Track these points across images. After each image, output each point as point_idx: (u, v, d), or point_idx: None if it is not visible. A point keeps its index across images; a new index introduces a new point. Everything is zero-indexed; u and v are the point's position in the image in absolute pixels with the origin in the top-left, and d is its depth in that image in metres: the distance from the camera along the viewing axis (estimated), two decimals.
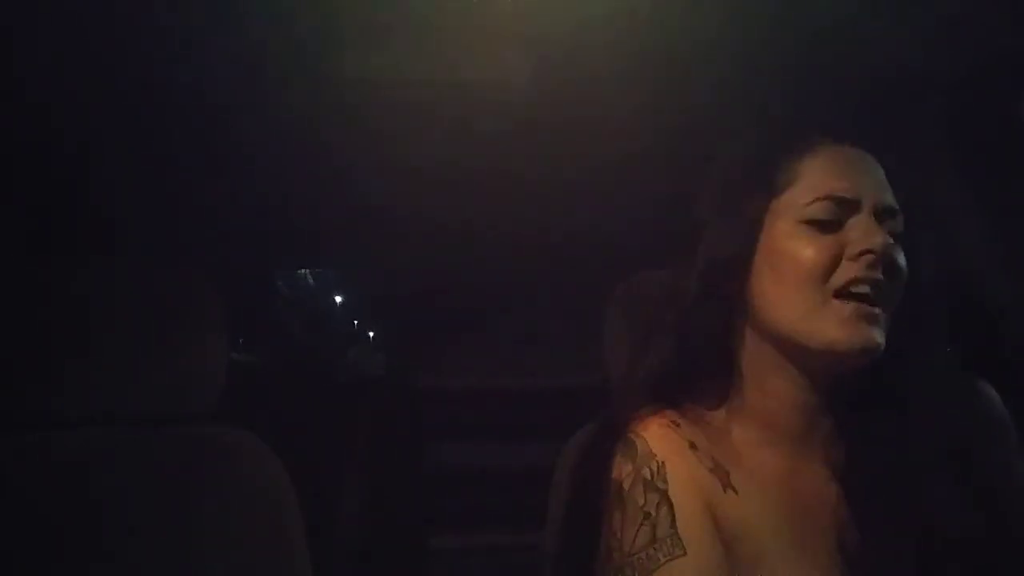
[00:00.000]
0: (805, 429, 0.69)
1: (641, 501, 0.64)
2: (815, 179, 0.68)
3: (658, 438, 0.67)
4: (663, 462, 0.66)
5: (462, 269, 2.05)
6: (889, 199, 0.69)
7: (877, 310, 0.64)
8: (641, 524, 0.63)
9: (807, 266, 0.65)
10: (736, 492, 0.65)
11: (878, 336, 0.63)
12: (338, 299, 3.44)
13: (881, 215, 0.67)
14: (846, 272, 0.64)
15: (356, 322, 3.47)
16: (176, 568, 0.84)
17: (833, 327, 0.63)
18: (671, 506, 0.63)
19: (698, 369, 0.71)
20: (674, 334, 0.71)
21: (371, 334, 3.34)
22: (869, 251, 0.64)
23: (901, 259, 0.66)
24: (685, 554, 0.61)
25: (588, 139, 1.28)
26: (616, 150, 1.29)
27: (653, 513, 0.63)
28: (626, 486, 0.66)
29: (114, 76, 1.07)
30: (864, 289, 0.64)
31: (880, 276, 0.64)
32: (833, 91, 1.08)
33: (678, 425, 0.69)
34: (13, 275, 0.89)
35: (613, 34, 0.99)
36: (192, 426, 0.90)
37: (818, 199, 0.66)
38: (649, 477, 0.65)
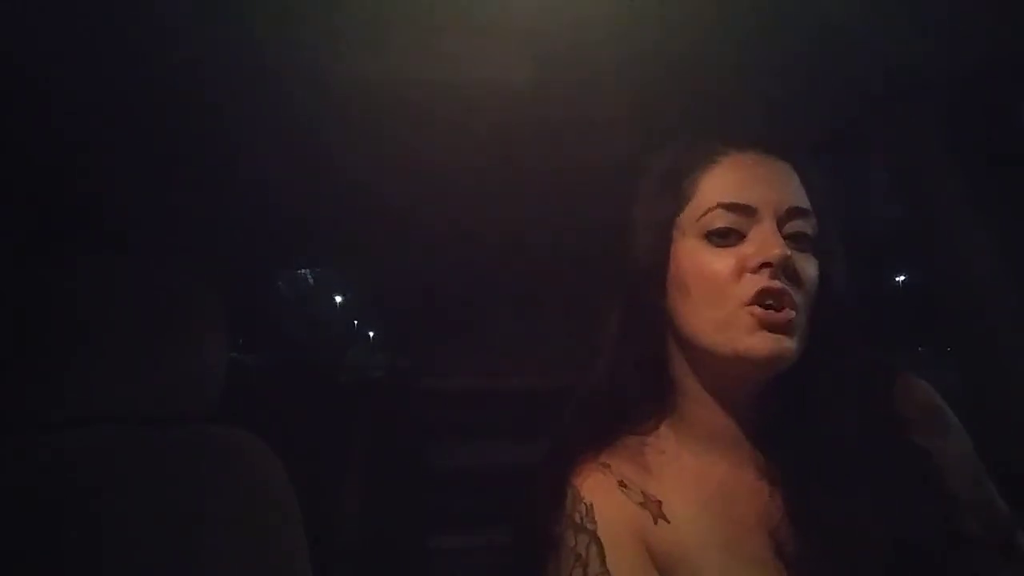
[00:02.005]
0: (738, 434, 0.70)
1: (572, 543, 0.66)
2: (711, 190, 0.68)
3: (587, 481, 0.69)
4: (591, 504, 0.67)
5: (462, 269, 2.05)
6: (795, 201, 0.68)
7: (786, 316, 0.64)
8: (573, 566, 0.65)
9: (711, 281, 0.65)
10: (668, 521, 0.67)
11: (788, 343, 0.64)
12: (338, 299, 3.44)
13: (785, 219, 0.67)
14: (750, 284, 0.64)
15: (356, 322, 3.48)
16: (176, 568, 0.84)
17: (743, 337, 0.64)
18: (600, 545, 0.65)
19: (632, 385, 0.72)
20: (607, 355, 0.72)
21: (371, 334, 3.34)
22: (766, 263, 0.64)
23: (805, 265, 0.66)
24: None
25: (588, 139, 1.28)
26: (616, 150, 1.29)
27: (583, 554, 0.65)
28: (558, 530, 0.67)
29: (114, 76, 1.07)
30: (769, 301, 0.64)
31: (783, 285, 0.64)
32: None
33: (608, 466, 0.70)
34: (13, 275, 0.89)
35: (613, 34, 0.99)
36: (192, 426, 0.90)
37: (711, 209, 0.67)
38: (578, 520, 0.67)
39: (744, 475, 0.70)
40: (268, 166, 1.40)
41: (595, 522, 0.66)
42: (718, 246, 0.66)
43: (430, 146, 1.30)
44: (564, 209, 1.60)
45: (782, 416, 0.68)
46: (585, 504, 0.67)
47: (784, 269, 0.64)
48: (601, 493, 0.68)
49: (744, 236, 0.66)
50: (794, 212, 0.67)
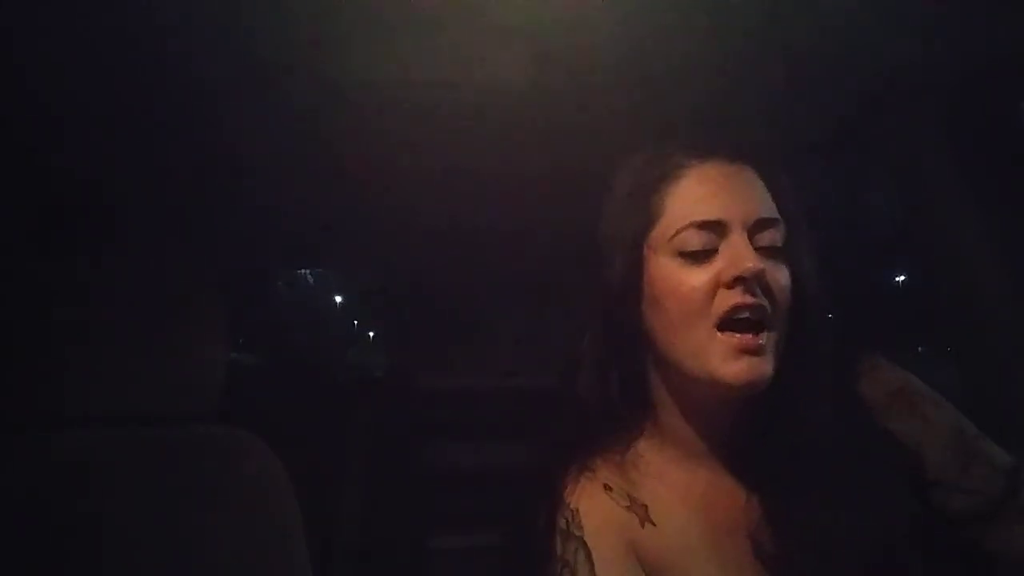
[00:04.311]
0: (716, 445, 0.70)
1: (560, 550, 0.66)
2: (678, 207, 0.67)
3: (572, 487, 0.69)
4: (576, 510, 0.67)
5: (462, 269, 2.05)
6: (762, 211, 0.67)
7: (762, 339, 0.63)
8: (562, 571, 0.65)
9: (685, 301, 0.65)
10: (655, 524, 0.67)
11: (764, 366, 0.63)
12: (338, 299, 3.44)
13: (754, 229, 0.66)
14: (724, 301, 0.64)
15: (356, 322, 3.48)
16: (175, 568, 0.84)
17: (718, 362, 0.63)
18: (588, 551, 0.65)
19: (614, 397, 0.71)
20: (589, 368, 0.72)
21: (371, 334, 3.34)
22: (740, 278, 0.63)
23: (778, 275, 0.66)
24: None
25: (588, 139, 1.28)
26: (617, 150, 1.29)
27: (572, 560, 0.65)
28: (548, 536, 0.68)
29: (114, 75, 1.07)
30: (745, 315, 0.64)
31: (757, 299, 0.64)
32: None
33: (593, 471, 0.70)
34: (13, 275, 0.89)
35: (613, 35, 0.99)
36: (192, 426, 0.90)
37: (682, 229, 0.66)
38: (565, 526, 0.67)
39: (723, 481, 0.70)
40: (268, 166, 1.40)
41: (581, 528, 0.66)
42: (691, 264, 0.66)
43: (430, 146, 1.30)
44: (564, 209, 1.59)
45: (758, 424, 0.69)
46: (571, 510, 0.68)
47: (758, 282, 0.64)
48: (586, 498, 0.68)
49: (716, 251, 0.66)
50: (763, 223, 0.67)
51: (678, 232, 0.66)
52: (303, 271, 2.94)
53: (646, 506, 0.68)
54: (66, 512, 0.83)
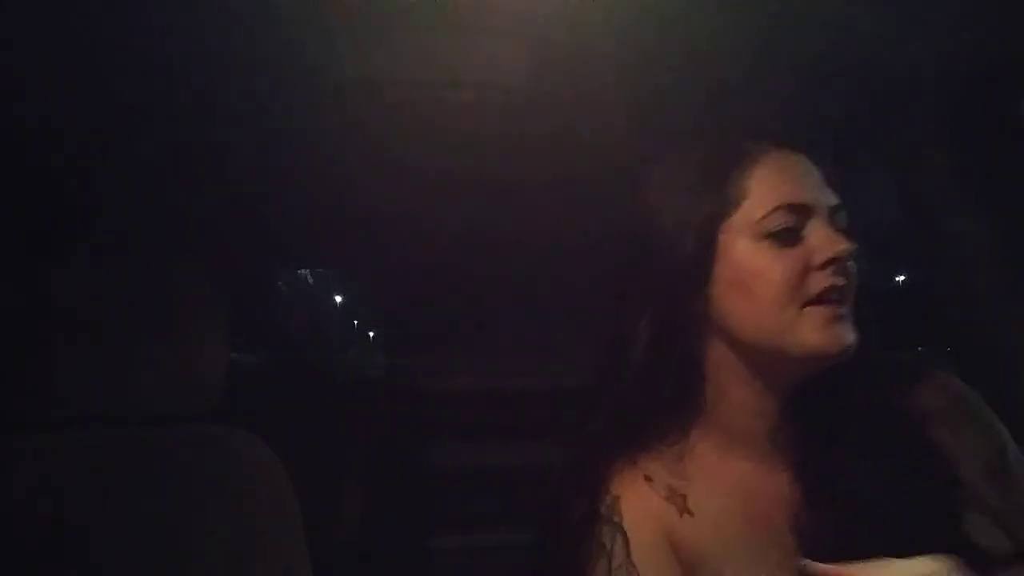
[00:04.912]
0: (766, 435, 0.71)
1: (598, 535, 0.67)
2: (764, 191, 0.68)
3: (614, 476, 0.70)
4: (617, 496, 0.69)
5: (462, 269, 2.05)
6: (834, 198, 0.70)
7: (845, 310, 0.66)
8: (598, 556, 0.66)
9: (778, 283, 0.66)
10: (692, 515, 0.68)
11: (851, 336, 0.66)
12: (338, 299, 3.44)
13: (832, 215, 0.68)
14: (816, 283, 0.65)
15: (356, 322, 3.48)
16: (175, 568, 0.84)
17: (812, 334, 0.65)
18: (625, 537, 0.66)
19: (664, 387, 0.71)
20: (638, 357, 0.71)
21: (371, 334, 3.34)
22: (834, 259, 0.65)
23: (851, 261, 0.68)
24: None
25: (588, 139, 1.28)
26: (616, 150, 1.29)
27: (608, 545, 0.66)
28: (586, 523, 0.69)
29: (113, 75, 1.07)
30: (835, 296, 0.66)
31: (848, 280, 0.66)
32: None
33: (635, 462, 0.71)
34: (13, 275, 0.89)
35: (613, 35, 0.99)
36: (192, 426, 0.90)
37: (771, 211, 0.67)
38: (604, 512, 0.68)
39: (768, 473, 0.70)
40: (268, 166, 1.40)
41: (621, 515, 0.67)
42: (779, 246, 0.67)
43: (430, 146, 1.30)
44: (564, 209, 1.60)
45: (808, 415, 0.69)
46: (612, 497, 0.69)
47: (847, 264, 0.66)
48: (627, 487, 0.69)
49: (801, 235, 0.67)
50: (836, 208, 0.69)
51: (767, 215, 0.67)
52: (303, 271, 2.94)
53: (685, 496, 0.69)
54: (66, 512, 0.83)
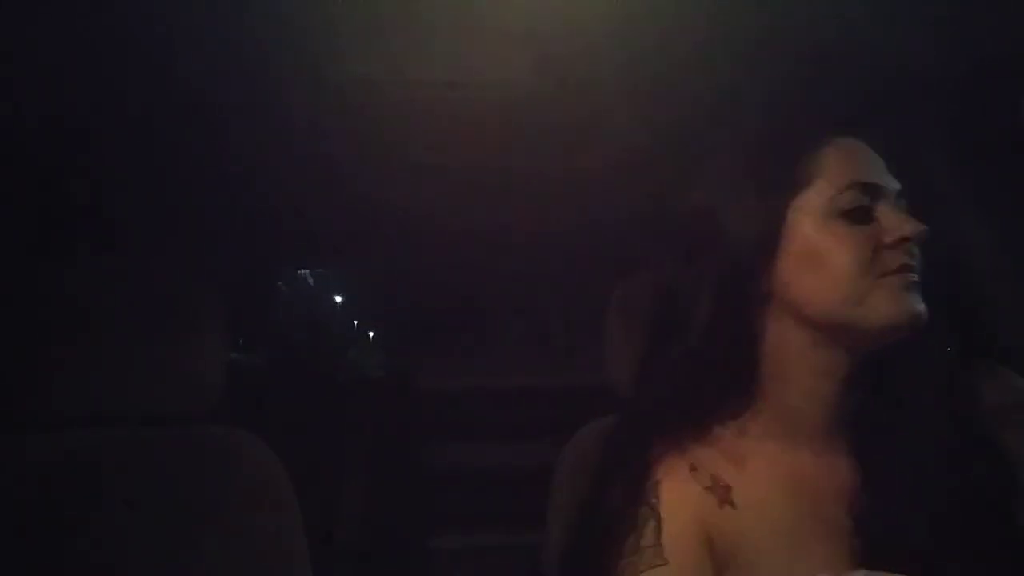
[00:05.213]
0: (822, 422, 0.71)
1: (633, 514, 0.67)
2: (838, 170, 0.70)
3: (659, 462, 0.70)
4: (658, 481, 0.68)
5: (462, 269, 2.05)
6: (896, 183, 0.71)
7: (917, 279, 0.68)
8: (628, 534, 0.66)
9: (850, 260, 0.67)
10: (734, 507, 0.67)
11: (922, 305, 0.67)
12: (338, 299, 3.44)
13: (898, 199, 0.70)
14: (888, 260, 0.67)
15: (356, 322, 3.47)
16: (176, 568, 0.84)
17: (886, 304, 0.66)
18: (659, 520, 0.66)
19: (720, 370, 0.71)
20: (694, 338, 0.70)
21: (371, 334, 3.34)
22: (907, 238, 0.67)
23: None
24: (666, 564, 0.64)
25: (588, 139, 1.28)
26: (616, 149, 1.29)
27: (641, 525, 0.66)
28: (625, 502, 0.68)
29: (114, 75, 1.07)
30: (908, 275, 0.68)
31: (916, 259, 0.68)
32: (832, 86, 1.09)
33: (682, 449, 0.71)
34: (13, 275, 0.89)
35: (613, 34, 0.99)
36: (192, 426, 0.90)
37: (845, 189, 0.69)
38: (643, 494, 0.68)
39: (823, 464, 0.70)
40: (268, 166, 1.40)
41: (658, 499, 0.67)
42: (851, 224, 0.68)
43: (430, 146, 1.30)
44: (565, 209, 1.60)
45: (866, 404, 0.70)
46: (653, 481, 0.69)
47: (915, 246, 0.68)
48: (670, 473, 0.69)
49: (873, 215, 0.69)
50: (900, 193, 0.71)
51: (841, 192, 0.69)
52: (303, 271, 2.94)
53: (729, 488, 0.68)
54: (66, 512, 0.83)
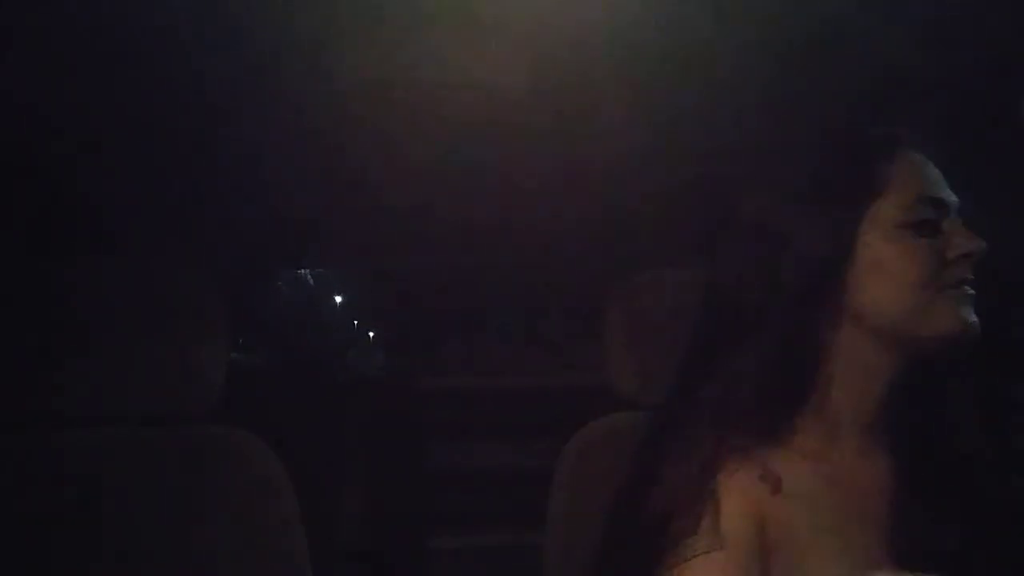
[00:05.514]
0: (871, 422, 0.73)
1: (690, 496, 0.68)
2: (908, 182, 0.72)
3: (716, 450, 0.71)
4: (715, 467, 0.69)
5: (462, 269, 2.05)
6: (955, 198, 0.74)
7: (973, 291, 0.71)
8: (687, 516, 0.67)
9: (918, 273, 0.70)
10: (785, 497, 0.69)
11: (976, 319, 0.70)
12: (338, 299, 3.44)
13: (956, 213, 0.73)
14: (952, 274, 0.70)
15: (356, 322, 3.47)
16: (176, 568, 0.84)
17: (947, 317, 0.69)
18: (717, 504, 0.67)
19: (781, 378, 0.72)
20: (758, 349, 0.72)
21: (371, 334, 3.34)
22: (970, 254, 0.70)
23: None
24: (722, 549, 0.65)
25: (588, 139, 1.28)
26: (616, 150, 1.29)
27: (698, 510, 0.67)
28: (680, 482, 0.69)
29: (114, 75, 1.07)
30: (967, 289, 0.71)
31: (974, 277, 0.71)
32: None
33: (738, 442, 0.71)
34: (13, 275, 0.89)
35: (612, 34, 0.99)
36: (192, 426, 0.90)
37: (915, 202, 0.71)
38: (699, 479, 0.69)
39: (867, 463, 0.72)
40: (268, 166, 1.40)
41: (717, 484, 0.68)
42: (919, 236, 0.71)
43: (430, 146, 1.30)
44: (564, 209, 1.60)
45: (910, 407, 0.73)
46: (713, 467, 0.70)
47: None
48: (728, 464, 0.70)
49: (939, 228, 0.71)
50: (958, 208, 0.73)
51: (912, 205, 0.71)
52: (303, 271, 2.94)
53: (779, 478, 0.70)
54: (66, 512, 0.83)
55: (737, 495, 0.67)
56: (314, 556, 0.89)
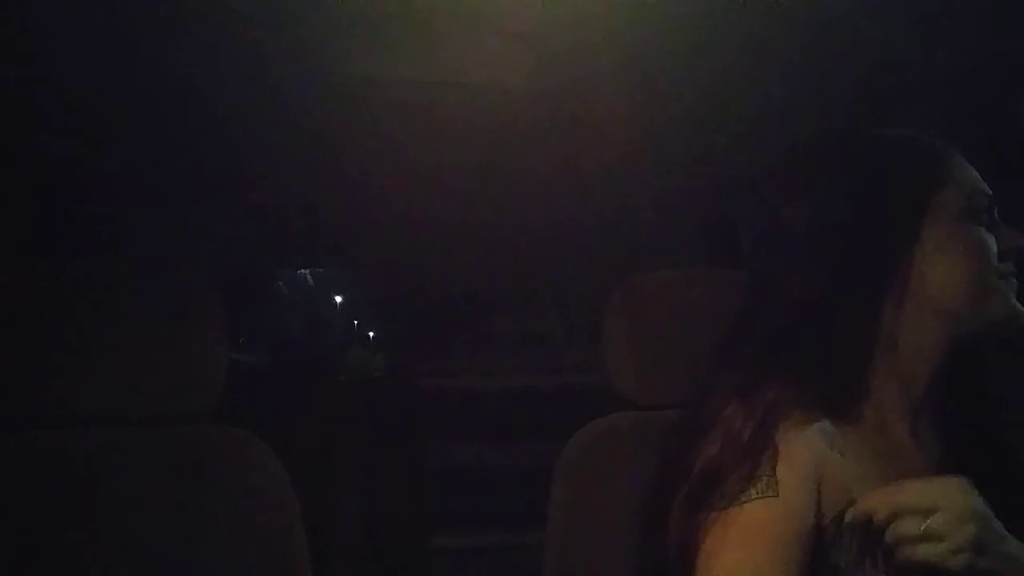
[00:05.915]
0: (920, 409, 0.76)
1: (747, 438, 0.68)
2: (967, 175, 0.77)
3: (778, 403, 0.72)
4: (778, 412, 0.70)
5: (462, 269, 2.05)
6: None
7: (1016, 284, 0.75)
8: (743, 459, 0.67)
9: (981, 259, 0.74)
10: (841, 455, 0.70)
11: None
12: (338, 299, 3.44)
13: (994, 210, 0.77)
14: (1005, 265, 0.75)
15: (356, 322, 3.47)
16: (176, 568, 0.84)
17: (1002, 305, 0.74)
18: (776, 450, 0.67)
19: (846, 353, 0.74)
20: (826, 330, 0.74)
21: (371, 334, 3.34)
22: (1020, 249, 0.75)
23: None
24: (777, 496, 0.65)
25: (587, 138, 1.28)
26: (615, 150, 1.29)
27: (756, 451, 0.67)
28: (737, 424, 0.69)
29: (114, 76, 1.07)
30: (1014, 281, 0.75)
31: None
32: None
33: (797, 395, 0.73)
34: (13, 275, 0.89)
35: (612, 34, 0.99)
36: (192, 426, 0.90)
37: (976, 193, 0.76)
38: (761, 421, 0.69)
39: (918, 446, 0.75)
40: (268, 166, 1.41)
41: (777, 428, 0.69)
42: (979, 225, 0.75)
43: (430, 146, 1.30)
44: (564, 209, 1.60)
45: (954, 399, 0.76)
46: (773, 410, 0.71)
47: None
48: (790, 421, 0.71)
49: (993, 222, 0.76)
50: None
51: (973, 196, 0.75)
52: (303, 271, 2.94)
53: (838, 435, 0.72)
54: (67, 511, 0.83)
55: (799, 445, 0.68)
56: (314, 556, 0.89)
